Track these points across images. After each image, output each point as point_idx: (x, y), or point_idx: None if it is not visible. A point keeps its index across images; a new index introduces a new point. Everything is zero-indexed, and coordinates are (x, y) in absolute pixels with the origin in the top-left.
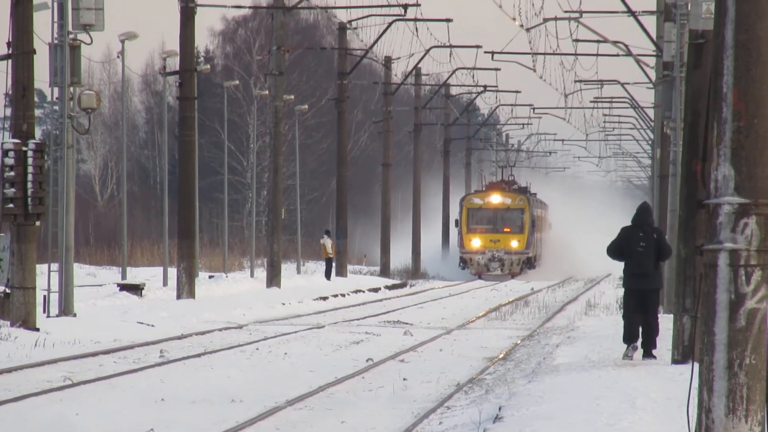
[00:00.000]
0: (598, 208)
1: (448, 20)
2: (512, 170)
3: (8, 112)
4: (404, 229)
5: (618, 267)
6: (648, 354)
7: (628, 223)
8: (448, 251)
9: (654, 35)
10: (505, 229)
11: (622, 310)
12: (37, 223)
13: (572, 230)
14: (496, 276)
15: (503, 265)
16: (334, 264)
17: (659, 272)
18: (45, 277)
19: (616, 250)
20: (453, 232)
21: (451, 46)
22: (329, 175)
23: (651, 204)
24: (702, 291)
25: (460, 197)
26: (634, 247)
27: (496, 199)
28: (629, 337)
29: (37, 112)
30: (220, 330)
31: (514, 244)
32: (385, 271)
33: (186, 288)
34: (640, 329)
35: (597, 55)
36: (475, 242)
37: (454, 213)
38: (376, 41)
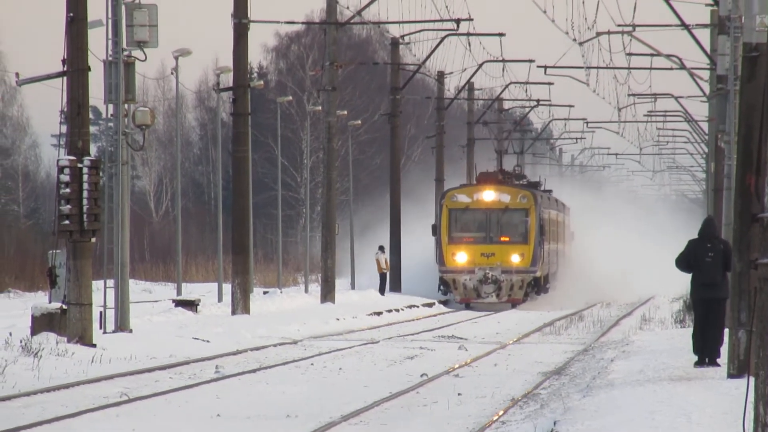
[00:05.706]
0: (644, 216)
1: (501, 35)
2: (519, 159)
3: (64, 129)
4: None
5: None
6: (713, 362)
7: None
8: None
9: (708, 48)
10: (503, 238)
11: (693, 323)
12: (93, 240)
13: (607, 242)
14: (491, 304)
15: (500, 289)
16: (388, 279)
17: (727, 282)
18: (101, 293)
19: (684, 262)
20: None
21: (504, 61)
22: (383, 190)
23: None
24: (757, 305)
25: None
26: (702, 258)
27: (488, 195)
28: (701, 349)
29: (92, 129)
30: (274, 345)
31: (515, 258)
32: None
33: (241, 303)
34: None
35: (650, 68)
36: (461, 257)
37: None
38: (428, 56)
